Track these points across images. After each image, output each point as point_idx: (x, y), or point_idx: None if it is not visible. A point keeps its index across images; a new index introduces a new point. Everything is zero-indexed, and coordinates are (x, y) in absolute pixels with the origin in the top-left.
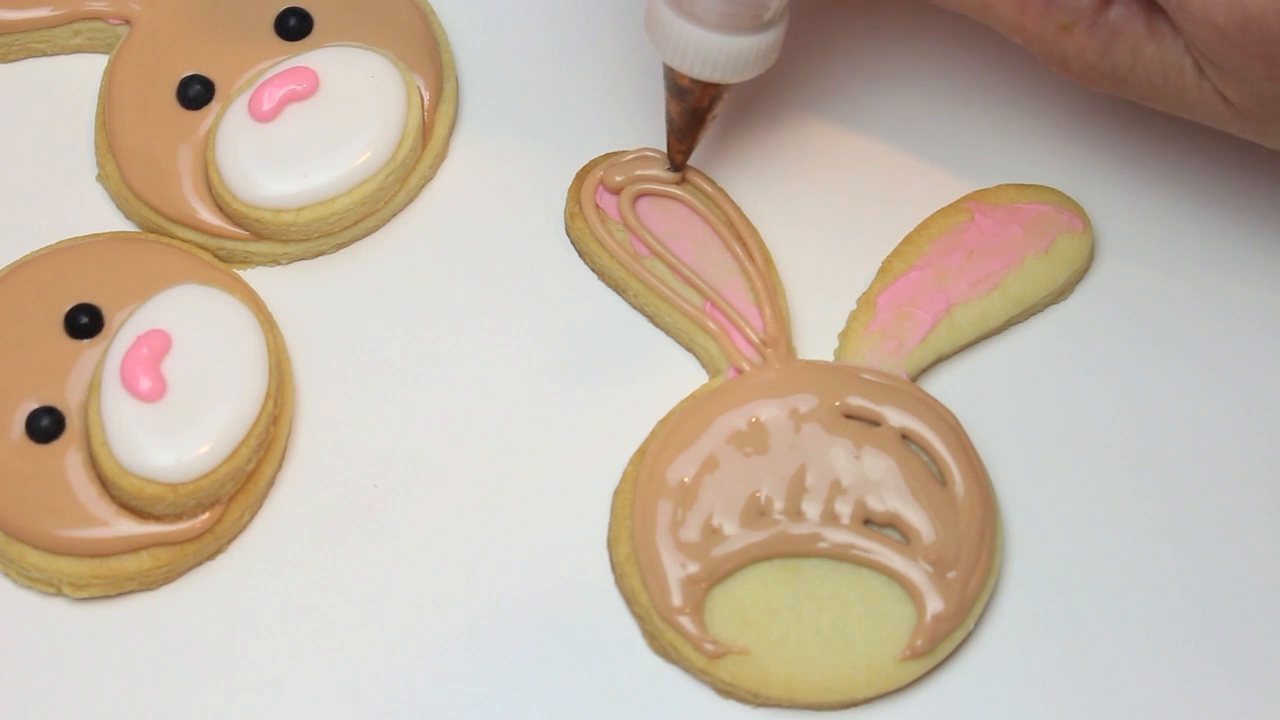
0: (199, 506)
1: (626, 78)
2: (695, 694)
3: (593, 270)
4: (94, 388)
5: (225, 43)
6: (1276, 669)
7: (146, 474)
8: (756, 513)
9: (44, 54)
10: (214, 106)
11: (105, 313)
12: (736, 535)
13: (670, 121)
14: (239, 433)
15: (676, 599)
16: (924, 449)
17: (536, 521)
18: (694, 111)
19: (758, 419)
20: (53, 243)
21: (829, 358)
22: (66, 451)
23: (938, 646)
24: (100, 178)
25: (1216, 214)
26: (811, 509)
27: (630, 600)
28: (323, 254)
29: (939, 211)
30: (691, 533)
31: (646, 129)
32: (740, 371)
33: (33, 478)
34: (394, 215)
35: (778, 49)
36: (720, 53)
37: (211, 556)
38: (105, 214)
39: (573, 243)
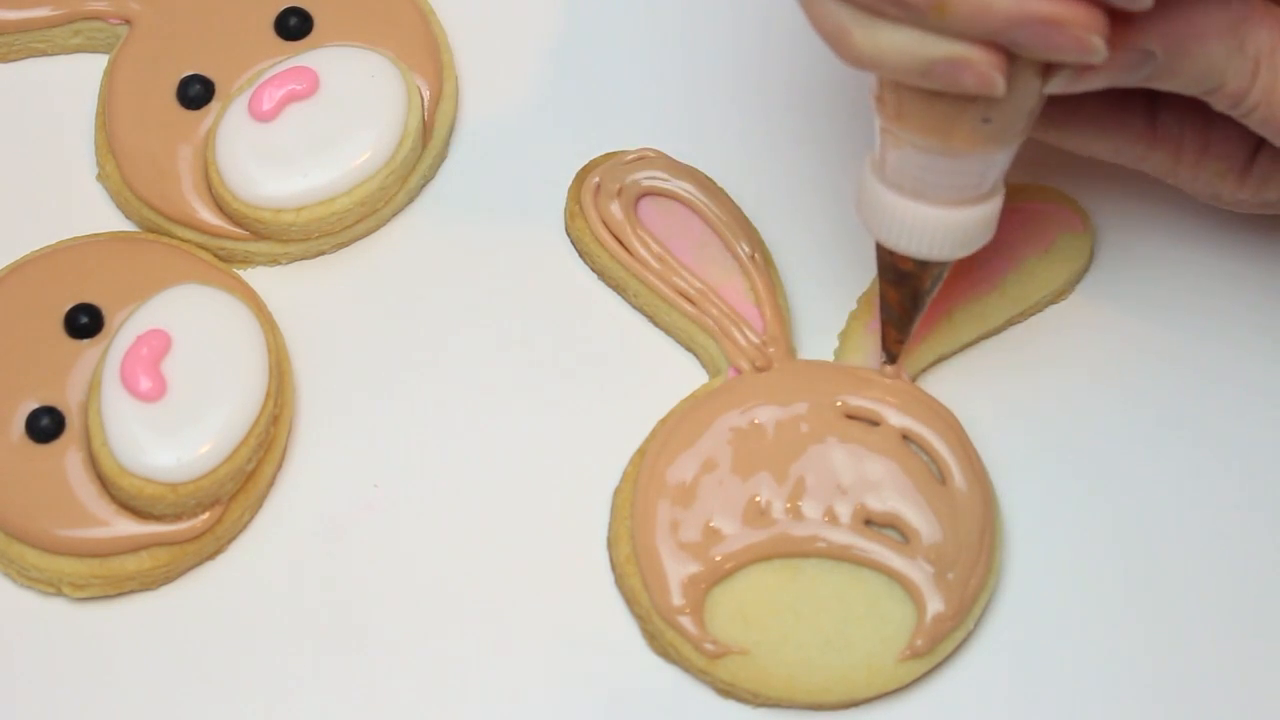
0: (199, 506)
1: (626, 78)
2: (695, 694)
3: (593, 270)
4: (94, 388)
5: (225, 43)
6: (1276, 668)
7: (146, 474)
8: (756, 513)
9: (44, 54)
10: (214, 106)
11: (105, 313)
12: (736, 535)
13: (887, 310)
14: (239, 433)
15: (676, 599)
16: (924, 449)
17: (536, 521)
18: (915, 295)
19: (757, 419)
20: (53, 243)
21: (829, 358)
22: (66, 451)
23: (938, 646)
24: (100, 178)
25: (1216, 214)
26: (811, 509)
27: (630, 600)
28: (323, 254)
29: None
30: (691, 533)
31: (646, 129)
32: (740, 371)
33: (33, 478)
34: (394, 215)
35: (999, 212)
36: (951, 229)
37: (211, 556)
38: (105, 214)
39: (573, 243)
